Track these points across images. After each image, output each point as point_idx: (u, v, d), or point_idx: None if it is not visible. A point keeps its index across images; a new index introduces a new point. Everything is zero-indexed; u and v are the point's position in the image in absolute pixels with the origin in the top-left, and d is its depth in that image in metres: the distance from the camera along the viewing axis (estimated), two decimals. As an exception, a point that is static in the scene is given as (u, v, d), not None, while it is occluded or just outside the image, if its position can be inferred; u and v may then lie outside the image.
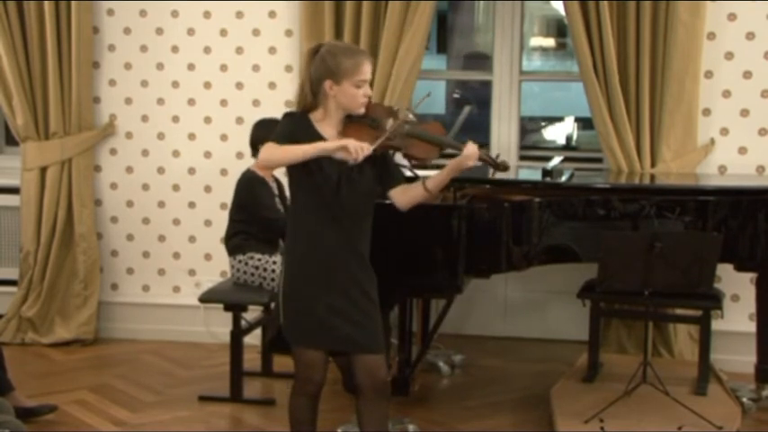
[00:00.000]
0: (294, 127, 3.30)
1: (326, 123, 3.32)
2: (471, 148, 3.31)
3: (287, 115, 3.40)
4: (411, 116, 3.37)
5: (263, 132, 4.68)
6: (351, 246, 3.33)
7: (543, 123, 9.21)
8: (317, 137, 3.28)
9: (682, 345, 5.14)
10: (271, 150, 3.22)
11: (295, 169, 3.30)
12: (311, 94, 3.31)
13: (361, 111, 3.32)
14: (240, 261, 4.70)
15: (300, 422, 3.49)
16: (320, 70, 3.27)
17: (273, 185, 4.81)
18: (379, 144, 3.22)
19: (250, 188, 4.70)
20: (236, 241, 4.72)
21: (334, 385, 4.81)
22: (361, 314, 3.34)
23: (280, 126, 3.34)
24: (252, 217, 4.68)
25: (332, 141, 3.21)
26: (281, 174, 4.89)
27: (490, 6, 5.92)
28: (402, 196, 3.43)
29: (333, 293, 3.31)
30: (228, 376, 4.65)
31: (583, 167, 5.61)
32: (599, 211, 4.23)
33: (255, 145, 4.71)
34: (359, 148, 3.12)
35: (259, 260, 4.67)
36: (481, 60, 6.06)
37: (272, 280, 4.64)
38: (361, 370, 3.38)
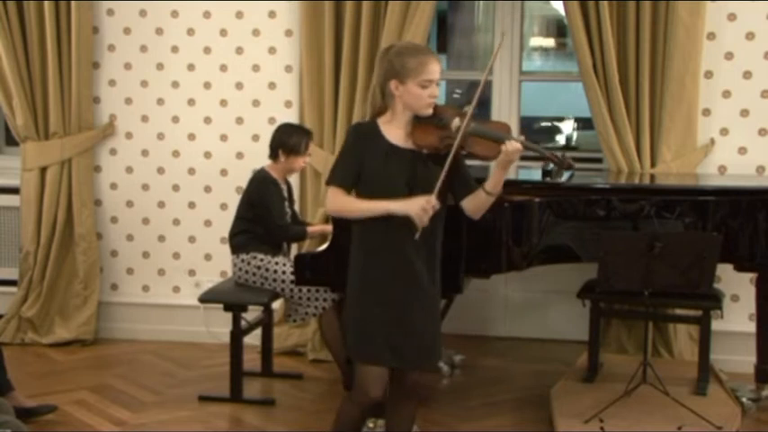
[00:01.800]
0: (358, 143, 3.28)
1: (394, 126, 3.29)
2: (512, 144, 3.21)
3: (351, 130, 3.38)
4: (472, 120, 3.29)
5: (285, 137, 4.69)
6: (423, 258, 3.27)
7: (550, 124, 9.24)
8: (383, 141, 3.26)
9: (682, 345, 5.14)
10: (338, 201, 3.26)
11: (363, 184, 3.27)
12: (380, 96, 3.30)
13: (429, 112, 3.27)
14: (243, 260, 4.70)
15: (344, 424, 3.39)
16: (387, 70, 3.24)
17: (284, 188, 4.80)
18: (454, 145, 3.20)
19: (262, 188, 4.68)
20: (240, 239, 4.71)
21: (334, 385, 4.82)
22: (421, 331, 3.30)
23: (341, 151, 3.32)
24: (258, 217, 4.67)
25: (399, 205, 3.18)
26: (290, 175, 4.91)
27: (490, 6, 5.92)
28: (470, 205, 3.36)
29: (401, 308, 3.26)
30: (228, 376, 4.65)
31: (583, 167, 5.61)
32: (599, 211, 4.23)
33: (275, 149, 4.70)
34: (422, 214, 3.14)
35: (261, 260, 4.66)
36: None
37: (274, 281, 4.64)
38: (405, 379, 3.37)
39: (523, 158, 5.67)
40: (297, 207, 5.10)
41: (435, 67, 3.24)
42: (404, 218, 3.20)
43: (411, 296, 3.28)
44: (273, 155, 4.73)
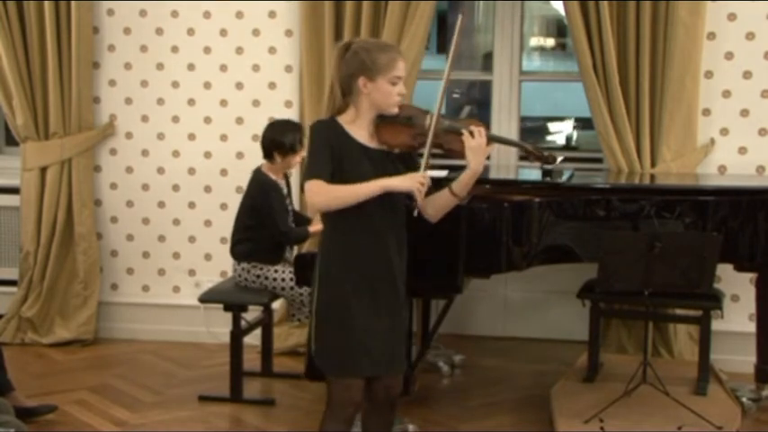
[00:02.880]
0: (327, 138, 3.09)
1: (358, 125, 3.14)
2: (474, 140, 3.09)
3: (317, 126, 3.16)
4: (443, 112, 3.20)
5: (278, 137, 4.63)
6: (394, 257, 3.16)
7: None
8: (353, 142, 3.12)
9: (682, 345, 5.14)
10: (326, 191, 3.04)
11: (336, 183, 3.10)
12: (341, 95, 3.15)
13: (395, 110, 3.13)
14: (244, 269, 4.69)
15: None
16: (353, 67, 3.09)
17: (283, 183, 4.76)
18: (428, 143, 3.10)
19: (265, 194, 4.61)
20: (241, 248, 4.69)
21: (334, 385, 4.81)
22: (396, 334, 3.21)
23: (312, 147, 3.11)
24: (261, 224, 4.63)
25: (397, 181, 3.05)
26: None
27: (490, 6, 5.93)
28: (429, 206, 3.21)
29: (371, 312, 3.14)
30: (228, 376, 4.65)
31: (583, 167, 5.60)
32: (599, 211, 4.23)
33: (268, 148, 4.63)
34: (421, 188, 3.02)
35: (261, 269, 4.66)
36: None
37: (274, 288, 4.65)
38: (381, 386, 3.26)
39: (522, 158, 5.72)
40: (296, 205, 5.09)
41: (403, 64, 3.14)
42: (382, 221, 3.11)
43: (393, 300, 3.19)
44: (268, 156, 4.68)
